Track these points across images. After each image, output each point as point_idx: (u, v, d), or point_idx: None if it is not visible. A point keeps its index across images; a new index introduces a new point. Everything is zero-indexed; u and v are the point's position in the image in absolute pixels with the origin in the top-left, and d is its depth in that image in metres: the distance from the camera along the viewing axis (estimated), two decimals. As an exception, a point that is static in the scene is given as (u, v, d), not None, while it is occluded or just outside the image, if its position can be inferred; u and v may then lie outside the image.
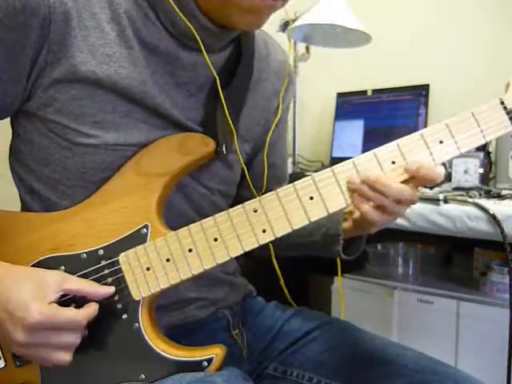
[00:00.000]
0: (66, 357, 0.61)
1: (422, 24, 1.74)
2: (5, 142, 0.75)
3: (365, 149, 1.73)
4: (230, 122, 0.72)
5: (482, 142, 0.62)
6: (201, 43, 0.68)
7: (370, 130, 1.74)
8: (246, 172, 0.80)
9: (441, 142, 0.62)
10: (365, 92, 1.78)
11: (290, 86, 0.87)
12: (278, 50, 0.86)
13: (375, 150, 0.62)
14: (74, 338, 0.60)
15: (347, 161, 0.62)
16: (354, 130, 1.76)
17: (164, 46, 0.68)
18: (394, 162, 0.62)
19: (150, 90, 0.67)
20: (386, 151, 0.62)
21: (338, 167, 0.62)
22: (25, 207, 0.74)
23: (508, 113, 0.61)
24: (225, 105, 0.71)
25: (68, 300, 0.62)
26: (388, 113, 1.71)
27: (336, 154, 1.79)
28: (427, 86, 1.66)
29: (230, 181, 0.80)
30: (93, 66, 0.64)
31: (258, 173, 0.84)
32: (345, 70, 1.84)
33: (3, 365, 0.66)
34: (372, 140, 1.72)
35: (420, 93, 1.67)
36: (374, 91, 1.76)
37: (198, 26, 0.67)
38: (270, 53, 0.83)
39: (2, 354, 0.66)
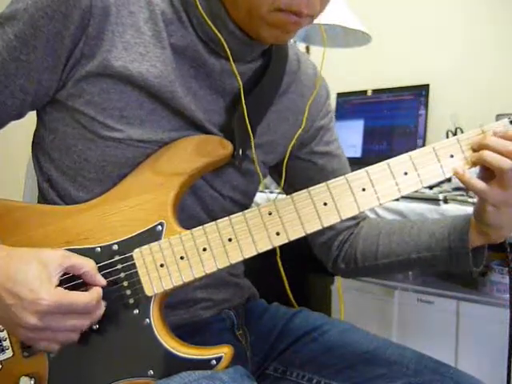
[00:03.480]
0: (72, 338, 0.61)
1: (422, 24, 1.74)
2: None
3: (365, 149, 1.73)
4: (249, 128, 0.73)
5: None
6: (228, 50, 0.69)
7: (370, 130, 1.74)
8: (262, 180, 0.81)
9: (451, 156, 0.65)
10: (365, 92, 1.78)
11: (320, 95, 0.85)
12: (310, 65, 0.85)
13: (388, 161, 0.65)
14: (82, 321, 0.60)
15: (360, 170, 0.65)
16: (354, 130, 1.76)
17: (192, 49, 0.69)
18: (406, 173, 0.64)
19: (177, 91, 0.68)
20: (399, 162, 0.65)
21: (351, 175, 0.65)
22: (41, 195, 0.75)
23: None
24: (245, 112, 0.72)
25: (71, 287, 0.63)
26: (388, 113, 1.71)
27: (336, 154, 1.79)
28: (427, 86, 1.66)
29: (243, 190, 0.80)
30: (126, 62, 0.65)
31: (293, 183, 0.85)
32: (345, 70, 1.84)
33: (11, 355, 0.66)
34: (372, 140, 1.72)
35: (420, 93, 1.67)
36: (374, 91, 1.76)
37: (227, 34, 0.68)
38: (300, 67, 0.83)
39: (11, 343, 0.66)
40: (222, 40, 0.68)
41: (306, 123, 0.83)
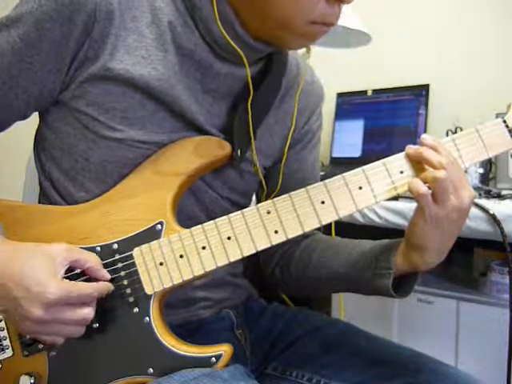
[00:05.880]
0: (78, 331, 0.61)
1: (422, 24, 1.74)
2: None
3: (365, 149, 1.73)
4: (251, 131, 0.73)
5: (485, 157, 0.66)
6: (244, 57, 0.69)
7: (370, 129, 1.74)
8: (265, 184, 0.82)
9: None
10: (365, 92, 1.78)
11: (306, 89, 0.84)
12: (308, 72, 0.86)
13: (384, 160, 0.65)
14: (88, 312, 0.61)
15: (357, 169, 0.65)
16: (354, 130, 1.76)
17: (199, 53, 0.69)
18: (402, 172, 0.65)
19: (179, 94, 0.68)
20: (395, 159, 0.65)
21: (348, 174, 0.65)
22: (43, 193, 0.75)
23: (510, 131, 0.66)
24: (250, 115, 0.73)
25: (74, 277, 0.63)
26: (388, 113, 1.71)
27: (336, 154, 1.79)
28: (427, 86, 1.66)
29: (242, 191, 0.81)
30: (127, 66, 0.66)
31: (274, 185, 0.85)
32: (345, 70, 1.84)
33: (11, 354, 0.66)
34: (372, 140, 1.72)
35: (420, 93, 1.67)
36: (374, 91, 1.76)
37: (235, 39, 0.68)
38: (300, 73, 0.83)
39: (11, 343, 0.66)
40: (235, 46, 0.68)
41: (299, 123, 0.83)
